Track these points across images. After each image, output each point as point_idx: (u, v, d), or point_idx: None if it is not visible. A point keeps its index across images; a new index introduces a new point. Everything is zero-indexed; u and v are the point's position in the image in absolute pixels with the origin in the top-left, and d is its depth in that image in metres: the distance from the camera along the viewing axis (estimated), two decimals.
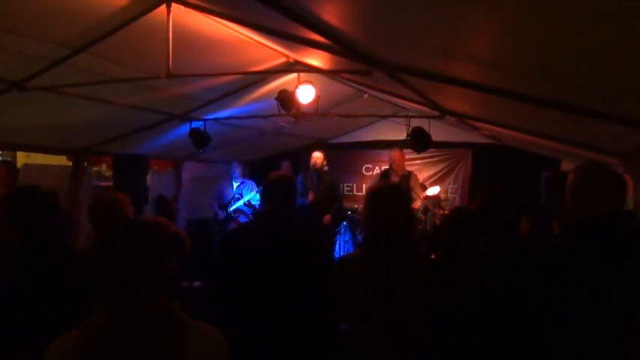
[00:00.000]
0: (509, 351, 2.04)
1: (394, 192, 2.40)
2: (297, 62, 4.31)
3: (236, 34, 3.50)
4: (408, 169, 6.59)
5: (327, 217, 6.35)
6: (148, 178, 5.85)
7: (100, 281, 1.45)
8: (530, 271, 2.10)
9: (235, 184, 6.91)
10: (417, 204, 5.96)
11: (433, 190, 6.26)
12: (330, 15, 2.45)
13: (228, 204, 6.82)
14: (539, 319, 1.96)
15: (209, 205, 6.96)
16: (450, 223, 2.35)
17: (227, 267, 2.54)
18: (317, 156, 6.39)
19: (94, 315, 1.39)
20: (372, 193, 2.40)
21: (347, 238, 7.26)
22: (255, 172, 8.02)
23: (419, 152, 5.85)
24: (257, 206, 6.70)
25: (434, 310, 2.20)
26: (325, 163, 6.47)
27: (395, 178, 6.03)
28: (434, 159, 7.77)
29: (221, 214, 6.82)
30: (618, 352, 1.83)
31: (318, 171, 6.37)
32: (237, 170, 6.92)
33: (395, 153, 6.19)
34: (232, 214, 6.75)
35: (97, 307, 1.39)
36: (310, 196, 6.23)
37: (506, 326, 2.06)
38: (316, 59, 3.98)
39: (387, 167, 6.45)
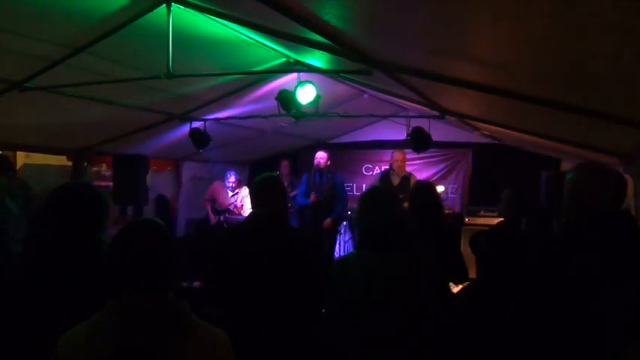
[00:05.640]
0: (509, 350, 2.04)
1: (386, 193, 2.43)
2: (297, 62, 4.31)
3: (236, 34, 3.50)
4: (409, 169, 6.58)
5: (328, 222, 6.24)
6: (148, 178, 5.85)
7: (113, 278, 1.46)
8: (529, 271, 2.10)
9: (230, 194, 6.79)
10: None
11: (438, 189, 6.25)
12: (330, 15, 2.45)
13: (223, 212, 6.72)
14: (539, 320, 1.96)
15: (203, 207, 6.90)
16: None
17: (218, 269, 2.55)
18: (320, 156, 6.30)
19: (105, 310, 1.40)
20: (365, 195, 2.42)
21: (347, 238, 7.26)
22: (255, 173, 8.02)
23: (419, 152, 5.85)
24: None
25: (433, 309, 2.20)
26: (329, 163, 6.40)
27: (395, 180, 6.03)
28: (434, 159, 7.76)
29: (213, 218, 6.74)
30: (618, 352, 1.83)
31: (321, 171, 6.29)
32: (233, 179, 6.75)
33: (397, 154, 6.19)
34: (224, 225, 6.63)
35: (108, 303, 1.40)
36: (312, 197, 6.20)
37: (505, 325, 2.06)
38: (316, 59, 3.98)
39: (387, 168, 6.43)
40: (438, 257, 2.32)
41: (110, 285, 1.47)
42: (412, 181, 6.10)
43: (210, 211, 6.79)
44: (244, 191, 6.76)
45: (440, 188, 6.25)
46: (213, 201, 6.83)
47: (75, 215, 1.93)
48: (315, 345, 2.41)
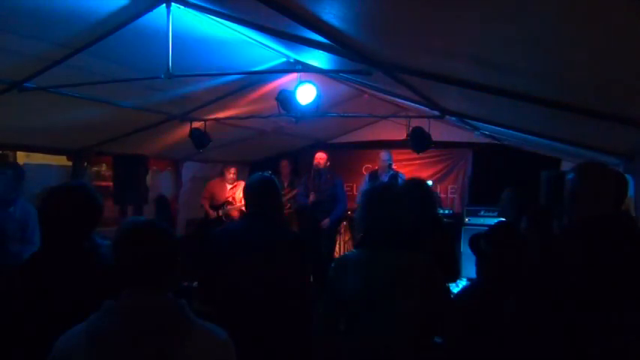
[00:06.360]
0: (509, 350, 2.04)
1: (389, 191, 2.43)
2: (297, 62, 4.31)
3: (236, 34, 3.50)
4: (408, 168, 6.58)
5: (326, 221, 6.30)
6: (148, 178, 5.84)
7: (112, 277, 1.46)
8: (529, 271, 2.10)
9: (229, 187, 6.91)
10: None
11: None
12: (330, 15, 2.45)
13: (221, 207, 6.79)
14: (539, 320, 1.96)
15: (200, 205, 6.95)
16: None
17: (212, 266, 2.56)
18: (320, 156, 6.38)
19: (104, 310, 1.40)
20: (368, 192, 2.41)
21: (347, 238, 7.26)
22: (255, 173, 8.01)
23: (419, 152, 5.85)
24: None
25: (432, 308, 2.20)
26: (329, 164, 6.45)
27: (384, 179, 6.10)
28: (434, 159, 7.75)
29: (212, 214, 6.81)
30: (619, 351, 1.83)
31: (320, 172, 6.34)
32: (233, 172, 6.92)
33: (383, 154, 6.26)
34: (223, 219, 6.71)
35: (107, 303, 1.40)
36: (311, 197, 6.22)
37: (505, 325, 2.06)
38: (316, 59, 3.98)
39: (376, 168, 6.50)
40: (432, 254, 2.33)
41: (108, 285, 1.47)
42: (400, 179, 6.17)
43: (207, 209, 6.84)
44: (242, 185, 6.85)
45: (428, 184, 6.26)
46: (212, 198, 6.87)
47: (70, 216, 1.95)
48: (309, 344, 2.41)
